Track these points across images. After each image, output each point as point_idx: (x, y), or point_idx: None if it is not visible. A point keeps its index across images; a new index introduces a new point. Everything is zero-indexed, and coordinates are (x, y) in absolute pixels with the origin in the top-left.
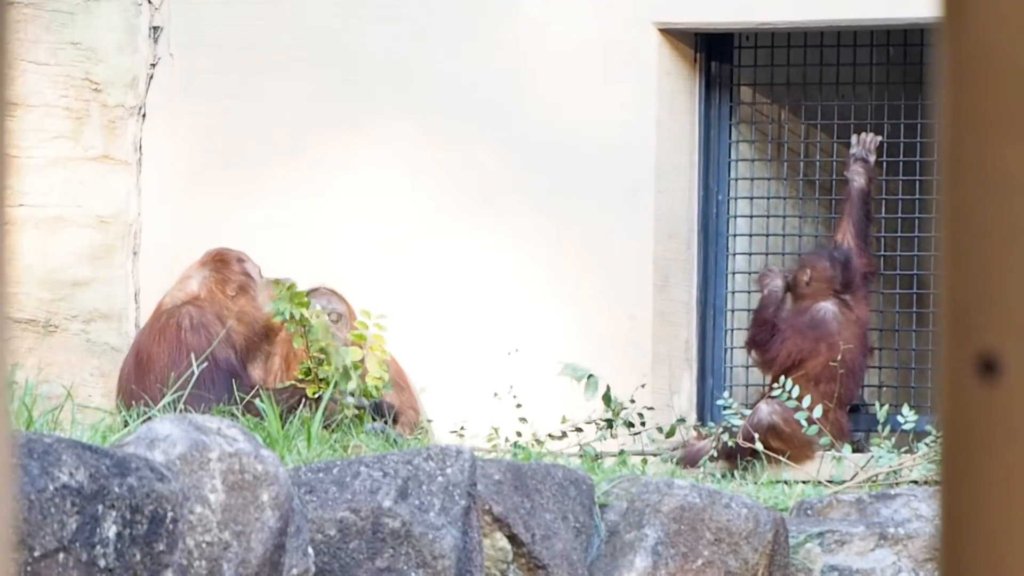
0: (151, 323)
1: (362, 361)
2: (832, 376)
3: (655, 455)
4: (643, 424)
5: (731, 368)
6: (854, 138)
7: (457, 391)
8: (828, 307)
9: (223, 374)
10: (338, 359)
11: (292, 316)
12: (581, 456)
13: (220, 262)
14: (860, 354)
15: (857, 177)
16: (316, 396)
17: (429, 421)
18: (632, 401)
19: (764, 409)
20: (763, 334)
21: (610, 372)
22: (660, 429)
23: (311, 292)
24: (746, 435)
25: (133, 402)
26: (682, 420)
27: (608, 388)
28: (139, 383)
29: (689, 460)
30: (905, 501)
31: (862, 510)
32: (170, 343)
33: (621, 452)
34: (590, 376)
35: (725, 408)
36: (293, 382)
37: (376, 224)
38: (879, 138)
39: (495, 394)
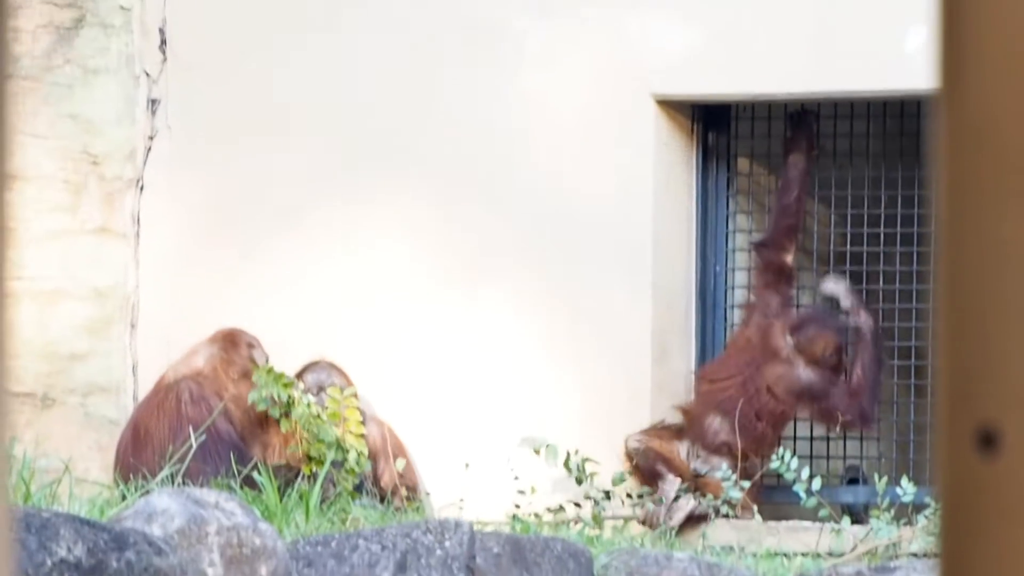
0: (150, 396)
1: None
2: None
3: (626, 518)
4: (640, 496)
5: None
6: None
7: (456, 461)
8: (788, 344)
9: (225, 445)
10: (327, 436)
11: (277, 399)
12: (564, 523)
13: (230, 343)
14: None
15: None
16: (311, 473)
17: (427, 493)
18: (630, 473)
19: (634, 439)
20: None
21: (609, 441)
22: (661, 500)
23: (311, 365)
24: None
25: (131, 475)
26: (622, 478)
27: (568, 455)
28: (137, 456)
29: (650, 523)
30: (905, 573)
31: None
32: (170, 416)
33: (595, 516)
34: (548, 445)
35: (724, 480)
36: (288, 461)
37: (374, 294)
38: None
39: (466, 465)
